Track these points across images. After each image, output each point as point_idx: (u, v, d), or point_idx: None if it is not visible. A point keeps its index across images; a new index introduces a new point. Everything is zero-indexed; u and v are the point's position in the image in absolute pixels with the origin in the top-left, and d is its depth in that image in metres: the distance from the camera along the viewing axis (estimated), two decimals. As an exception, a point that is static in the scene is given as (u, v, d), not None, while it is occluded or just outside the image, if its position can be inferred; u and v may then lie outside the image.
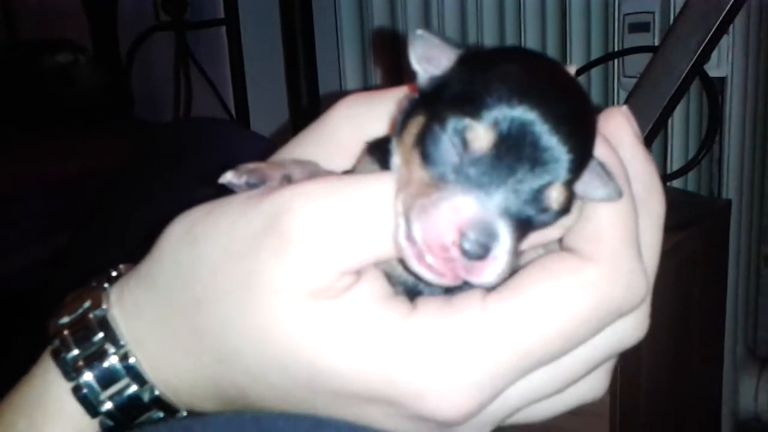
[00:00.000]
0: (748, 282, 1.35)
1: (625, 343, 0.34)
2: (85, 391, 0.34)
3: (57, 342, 0.35)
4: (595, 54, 1.34)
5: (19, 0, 2.04)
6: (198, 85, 1.67)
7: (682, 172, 1.23)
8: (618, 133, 0.34)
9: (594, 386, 0.36)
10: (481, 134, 0.29)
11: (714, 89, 1.18)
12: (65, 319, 0.36)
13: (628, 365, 0.95)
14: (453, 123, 0.29)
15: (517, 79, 0.29)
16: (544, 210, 0.30)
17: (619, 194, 0.31)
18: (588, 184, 0.31)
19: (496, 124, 0.28)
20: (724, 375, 1.30)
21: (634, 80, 1.07)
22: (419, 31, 0.32)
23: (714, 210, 1.23)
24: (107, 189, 0.93)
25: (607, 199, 0.31)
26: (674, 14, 1.21)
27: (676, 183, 1.28)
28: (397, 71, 1.45)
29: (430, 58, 0.32)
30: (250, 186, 0.33)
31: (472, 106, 0.29)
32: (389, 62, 1.51)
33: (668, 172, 1.26)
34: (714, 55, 1.20)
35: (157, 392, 0.34)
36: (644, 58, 1.09)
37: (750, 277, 1.35)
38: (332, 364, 0.30)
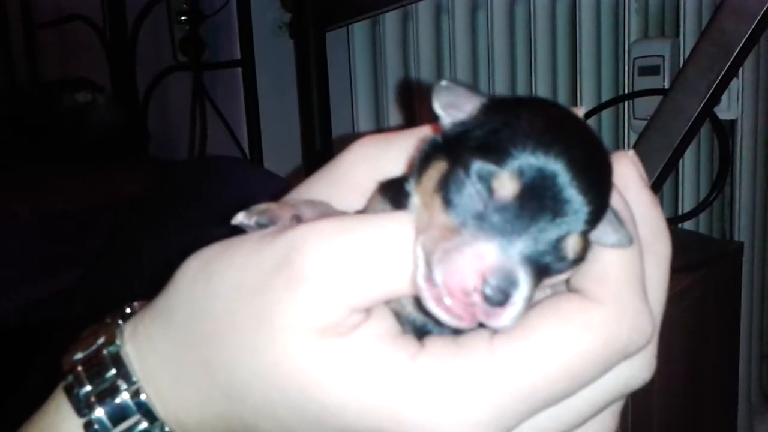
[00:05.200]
0: (762, 325, 1.33)
1: (632, 385, 0.34)
2: (96, 427, 0.34)
3: (70, 378, 0.35)
4: (606, 96, 1.35)
5: (41, 39, 2.09)
6: (213, 125, 1.69)
7: (693, 214, 1.23)
8: (625, 176, 0.35)
9: (601, 429, 0.36)
10: (506, 182, 0.29)
11: (724, 132, 1.19)
12: (79, 355, 0.36)
13: (640, 409, 0.94)
14: (478, 170, 0.29)
15: (543, 130, 0.30)
16: (562, 258, 0.30)
17: (630, 241, 0.32)
18: (600, 229, 0.32)
19: (521, 173, 0.29)
20: (739, 420, 1.28)
21: (645, 122, 1.08)
22: (444, 82, 0.32)
23: (726, 252, 1.23)
24: (122, 225, 0.94)
25: (618, 246, 0.32)
26: (684, 57, 1.23)
27: (688, 225, 1.28)
28: (411, 116, 1.47)
29: (454, 105, 0.33)
30: (261, 226, 0.34)
31: (498, 155, 0.29)
32: (404, 107, 1.53)
33: (679, 213, 1.26)
34: (724, 97, 1.21)
35: (167, 429, 0.35)
36: (654, 101, 1.11)
37: (763, 320, 1.34)
38: (340, 400, 0.31)
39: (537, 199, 0.29)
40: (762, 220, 1.30)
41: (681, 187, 1.30)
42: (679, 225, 1.24)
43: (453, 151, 0.31)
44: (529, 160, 0.29)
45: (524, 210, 0.29)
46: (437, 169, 0.31)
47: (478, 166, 0.29)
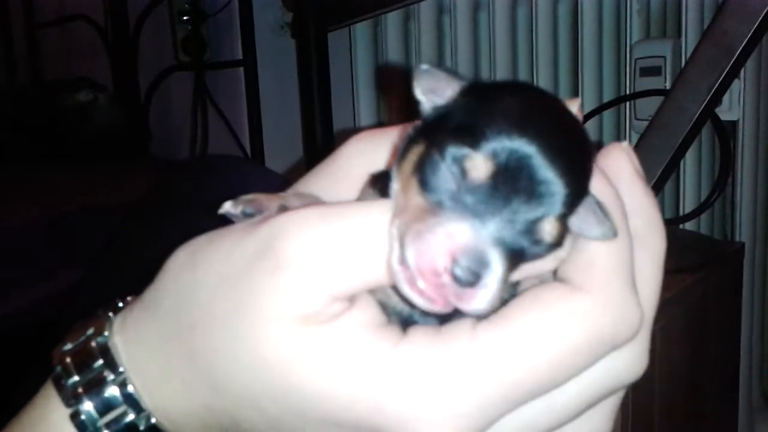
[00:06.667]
0: (762, 326, 1.33)
1: (623, 379, 0.33)
2: (83, 417, 0.34)
3: (59, 368, 0.35)
4: (607, 97, 1.35)
5: (43, 39, 2.09)
6: (215, 125, 1.70)
7: (694, 215, 1.23)
8: (617, 168, 0.34)
9: (595, 428, 0.35)
10: (479, 164, 0.29)
11: (726, 133, 1.19)
12: (68, 346, 0.36)
13: (640, 410, 0.93)
14: (452, 152, 0.29)
15: (518, 113, 0.30)
16: (537, 242, 0.30)
17: (614, 234, 0.31)
18: (584, 221, 0.31)
19: (494, 155, 0.29)
20: (739, 421, 1.27)
21: (646, 123, 1.08)
22: (424, 66, 0.32)
23: (727, 253, 1.22)
24: (122, 225, 0.94)
25: (602, 238, 0.31)
26: (685, 58, 1.22)
27: (689, 225, 1.28)
28: (410, 108, 1.47)
29: (434, 90, 0.32)
30: (247, 216, 0.34)
31: (472, 137, 0.29)
32: (402, 99, 1.53)
33: (680, 214, 1.26)
34: (725, 98, 1.21)
35: (153, 420, 0.34)
36: (656, 102, 1.10)
37: (765, 321, 1.34)
38: (320, 389, 0.30)
39: (511, 181, 0.29)
40: (763, 221, 1.30)
41: (682, 187, 1.30)
42: (680, 225, 1.24)
43: (431, 134, 0.31)
44: (503, 141, 0.29)
45: (497, 191, 0.29)
46: (415, 152, 0.31)
47: (452, 147, 0.29)
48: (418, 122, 0.33)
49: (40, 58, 2.11)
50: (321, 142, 1.40)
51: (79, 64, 2.00)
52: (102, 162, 1.62)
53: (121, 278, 0.76)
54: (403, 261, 0.29)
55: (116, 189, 1.40)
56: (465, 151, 0.29)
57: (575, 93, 1.38)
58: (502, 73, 1.44)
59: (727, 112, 1.24)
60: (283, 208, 0.34)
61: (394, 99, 1.55)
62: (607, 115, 1.36)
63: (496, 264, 0.29)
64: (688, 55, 1.18)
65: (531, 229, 0.29)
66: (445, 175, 0.29)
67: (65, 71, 2.04)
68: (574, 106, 0.33)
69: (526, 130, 0.29)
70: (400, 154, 0.32)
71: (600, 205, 0.31)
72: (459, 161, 0.29)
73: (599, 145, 0.35)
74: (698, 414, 1.12)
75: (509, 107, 0.30)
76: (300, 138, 1.59)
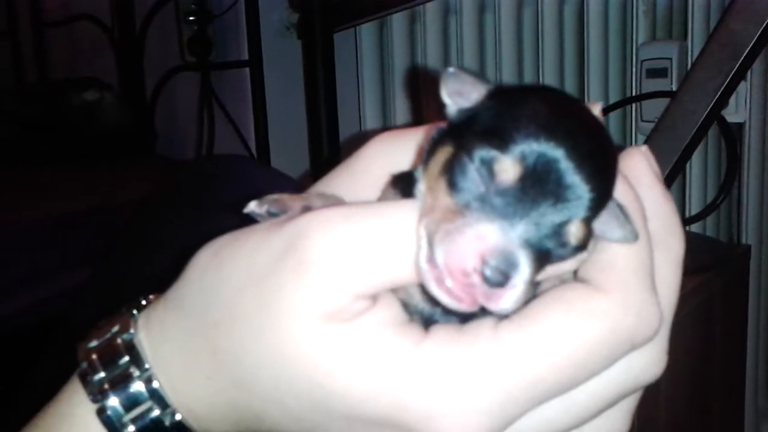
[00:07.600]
0: (768, 329, 1.33)
1: (642, 379, 0.34)
2: (109, 413, 0.35)
3: (85, 364, 0.36)
4: (613, 98, 1.35)
5: (50, 39, 2.10)
6: (221, 125, 1.70)
7: (700, 217, 1.23)
8: (637, 171, 0.35)
9: (613, 428, 0.35)
10: (507, 167, 0.29)
11: (732, 135, 1.19)
12: (94, 343, 0.36)
13: (646, 412, 0.94)
14: (481, 154, 0.30)
15: (545, 117, 0.30)
16: (563, 245, 0.30)
17: (635, 237, 0.32)
18: (605, 224, 0.32)
19: (523, 158, 0.29)
20: (746, 423, 1.28)
21: (652, 125, 1.08)
22: (451, 69, 0.33)
23: (734, 255, 1.22)
24: (127, 224, 0.94)
25: (623, 241, 0.32)
26: (692, 60, 1.23)
27: (695, 228, 1.28)
28: (416, 109, 1.48)
29: (461, 93, 0.33)
30: (271, 215, 0.34)
31: (501, 140, 0.30)
32: (412, 102, 1.53)
33: (687, 216, 1.26)
34: (732, 100, 1.21)
35: (178, 416, 0.35)
36: (662, 103, 1.11)
37: (771, 323, 1.34)
38: (344, 386, 0.31)
39: (539, 184, 0.29)
40: (770, 223, 1.30)
41: (688, 189, 1.30)
42: (687, 228, 1.24)
43: (458, 136, 0.31)
44: (532, 145, 0.29)
45: (526, 194, 0.29)
46: (443, 154, 0.31)
47: (480, 150, 0.30)
48: (442, 124, 0.34)
49: (47, 58, 2.11)
50: (327, 142, 1.40)
51: (85, 63, 2.01)
52: (108, 161, 1.63)
53: (126, 278, 0.77)
54: (431, 260, 0.30)
55: (121, 188, 1.40)
56: (493, 153, 0.30)
57: (581, 95, 1.38)
58: (507, 75, 1.44)
59: (733, 114, 1.24)
60: (307, 208, 0.34)
61: (402, 100, 1.56)
62: (613, 116, 1.36)
63: (524, 265, 0.29)
64: (695, 56, 1.18)
65: (557, 231, 0.30)
66: (473, 176, 0.30)
67: (72, 70, 2.05)
68: (595, 110, 0.34)
69: (554, 134, 0.29)
70: (425, 155, 0.33)
71: (621, 208, 0.32)
72: (487, 163, 0.30)
73: (620, 148, 0.36)
74: (704, 416, 1.12)
75: (536, 111, 0.30)
76: (305, 138, 1.59)
